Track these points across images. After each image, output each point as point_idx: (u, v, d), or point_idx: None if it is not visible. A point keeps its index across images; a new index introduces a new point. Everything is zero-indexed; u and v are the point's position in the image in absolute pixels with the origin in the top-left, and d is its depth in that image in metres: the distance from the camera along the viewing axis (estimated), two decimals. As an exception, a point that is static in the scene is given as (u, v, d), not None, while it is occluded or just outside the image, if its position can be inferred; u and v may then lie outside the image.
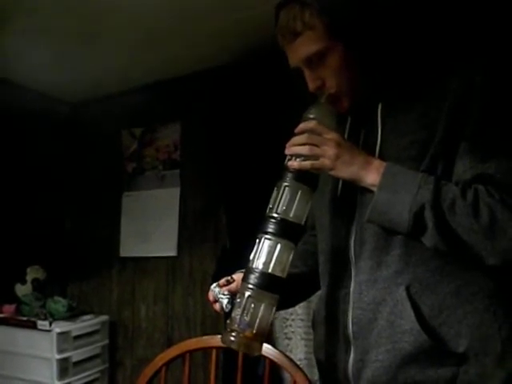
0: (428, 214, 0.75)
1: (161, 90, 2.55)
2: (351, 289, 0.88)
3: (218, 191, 2.30)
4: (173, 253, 2.43)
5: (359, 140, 0.91)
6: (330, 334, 0.94)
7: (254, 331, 0.82)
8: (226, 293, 0.95)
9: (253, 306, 0.82)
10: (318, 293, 1.03)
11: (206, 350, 1.26)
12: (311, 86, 0.88)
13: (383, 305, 0.83)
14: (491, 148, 0.79)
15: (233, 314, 0.85)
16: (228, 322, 0.85)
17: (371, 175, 0.80)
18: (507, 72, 0.87)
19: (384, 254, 0.84)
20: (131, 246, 2.60)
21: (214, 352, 1.21)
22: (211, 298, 0.98)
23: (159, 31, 2.03)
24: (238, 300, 0.85)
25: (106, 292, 2.65)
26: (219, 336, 1.27)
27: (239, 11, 1.89)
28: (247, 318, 0.82)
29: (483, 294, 0.82)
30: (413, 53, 0.93)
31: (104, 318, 2.54)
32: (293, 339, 2.10)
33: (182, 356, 1.21)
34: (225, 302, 0.94)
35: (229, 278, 0.99)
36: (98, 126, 2.76)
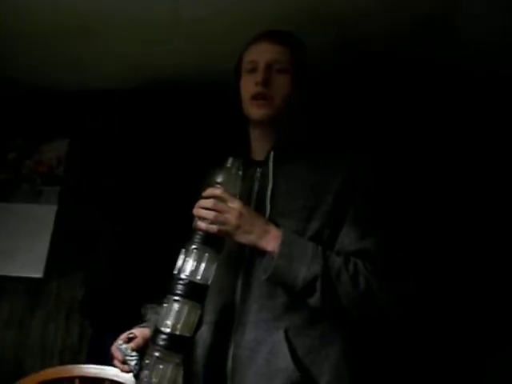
0: (318, 285, 0.93)
1: (52, 101, 2.43)
2: (233, 328, 0.97)
3: (100, 216, 2.22)
4: (39, 274, 2.24)
5: (252, 190, 1.08)
6: (206, 371, 0.98)
7: None
8: (133, 354, 0.96)
9: (161, 367, 0.85)
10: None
11: (67, 380, 1.18)
12: (260, 80, 1.05)
13: (263, 344, 0.94)
14: (370, 228, 1.02)
15: (141, 376, 0.86)
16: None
17: (270, 244, 0.96)
18: (387, 166, 1.18)
19: (267, 300, 0.97)
20: (-11, 263, 2.34)
21: (77, 382, 1.15)
22: (120, 357, 0.98)
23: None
24: (147, 361, 0.87)
25: None
26: (82, 366, 1.21)
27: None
28: (156, 380, 0.84)
29: (341, 339, 0.98)
30: (324, 128, 1.19)
31: None
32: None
33: (39, 388, 1.13)
34: (133, 363, 0.95)
35: (130, 334, 1.02)
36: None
